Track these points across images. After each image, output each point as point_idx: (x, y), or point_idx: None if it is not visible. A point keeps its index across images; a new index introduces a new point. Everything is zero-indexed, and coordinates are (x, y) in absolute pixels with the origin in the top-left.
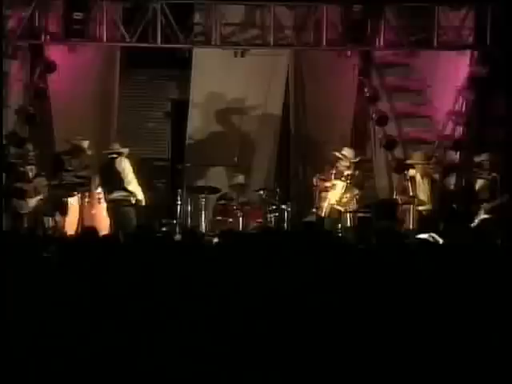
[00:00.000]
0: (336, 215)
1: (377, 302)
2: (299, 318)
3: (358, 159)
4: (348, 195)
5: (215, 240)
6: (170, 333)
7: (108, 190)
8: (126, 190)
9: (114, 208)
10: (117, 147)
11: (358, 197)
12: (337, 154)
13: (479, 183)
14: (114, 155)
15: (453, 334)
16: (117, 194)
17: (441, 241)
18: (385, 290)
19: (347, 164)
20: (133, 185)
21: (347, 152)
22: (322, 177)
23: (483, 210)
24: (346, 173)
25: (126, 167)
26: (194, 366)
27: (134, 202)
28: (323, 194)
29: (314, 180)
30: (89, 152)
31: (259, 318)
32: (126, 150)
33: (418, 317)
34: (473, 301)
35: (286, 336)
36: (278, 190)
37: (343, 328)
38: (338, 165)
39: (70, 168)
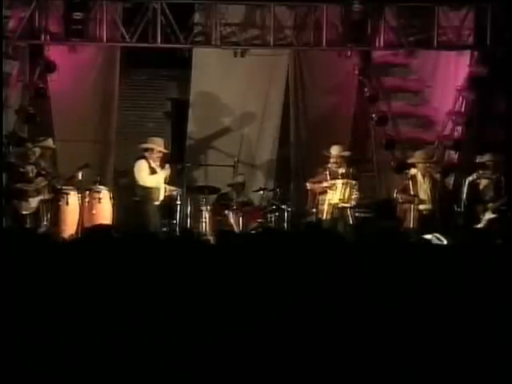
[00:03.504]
0: (337, 215)
1: (379, 302)
2: (297, 319)
3: (346, 154)
4: (349, 191)
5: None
6: (166, 333)
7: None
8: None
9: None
10: (151, 143)
11: (358, 193)
12: (325, 152)
13: (483, 183)
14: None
15: (454, 335)
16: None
17: (445, 241)
18: (387, 290)
19: (335, 160)
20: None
21: (334, 149)
22: (314, 180)
23: (490, 210)
24: (340, 171)
25: (136, 167)
26: (191, 365)
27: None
28: (322, 196)
29: (308, 185)
30: (54, 146)
31: (256, 318)
32: (156, 147)
33: (420, 318)
34: (475, 301)
35: (284, 337)
36: (278, 190)
37: (343, 329)
38: (329, 166)
39: (43, 172)
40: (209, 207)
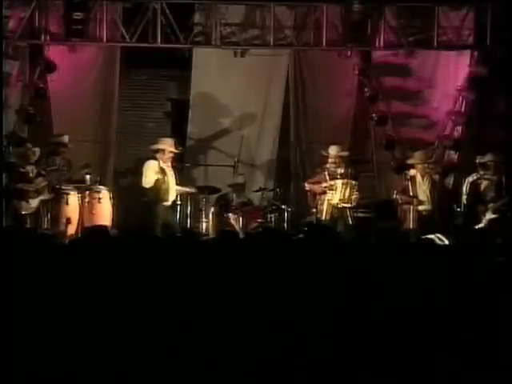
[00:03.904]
0: (336, 215)
1: (380, 303)
2: (296, 319)
3: (344, 154)
4: (349, 191)
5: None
6: (165, 333)
7: None
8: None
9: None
10: (162, 144)
11: (358, 193)
12: (323, 152)
13: (484, 184)
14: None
15: (454, 334)
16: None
17: (446, 241)
18: (387, 290)
19: (333, 161)
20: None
21: (332, 150)
22: (313, 181)
23: (491, 210)
24: (339, 171)
25: (145, 167)
26: (189, 365)
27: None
28: (322, 196)
29: (307, 186)
30: (70, 145)
31: (255, 318)
32: (167, 147)
33: (422, 318)
34: (475, 301)
35: (283, 336)
36: (278, 190)
37: (343, 329)
38: (328, 166)
39: (54, 167)
40: (213, 208)
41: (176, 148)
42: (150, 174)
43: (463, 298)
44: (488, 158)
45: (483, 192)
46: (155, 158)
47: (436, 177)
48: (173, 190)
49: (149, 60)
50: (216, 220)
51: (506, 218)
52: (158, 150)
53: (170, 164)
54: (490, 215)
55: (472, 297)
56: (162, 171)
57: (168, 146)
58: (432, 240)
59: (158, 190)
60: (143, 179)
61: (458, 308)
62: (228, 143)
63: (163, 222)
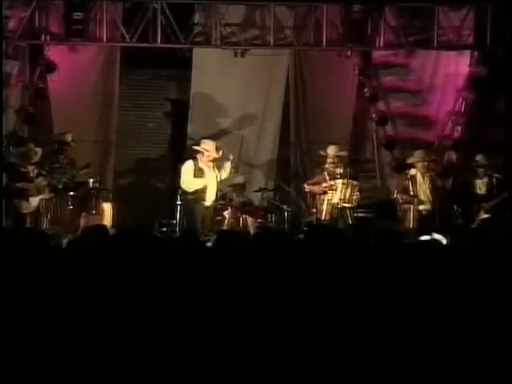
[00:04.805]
0: (336, 215)
1: (377, 303)
2: (296, 320)
3: (343, 154)
4: (350, 191)
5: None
6: (164, 333)
7: None
8: None
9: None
10: (201, 146)
11: (358, 193)
12: (322, 152)
13: (478, 183)
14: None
15: (452, 335)
16: None
17: (444, 241)
18: (384, 291)
19: (332, 161)
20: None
21: (331, 150)
22: (312, 182)
23: (483, 210)
24: (338, 171)
25: (183, 168)
26: (187, 366)
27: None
28: (322, 196)
29: (306, 187)
30: (73, 144)
31: (255, 317)
32: (205, 150)
33: (419, 318)
34: (473, 301)
35: (283, 337)
36: (278, 190)
37: (343, 332)
38: (327, 166)
39: (57, 165)
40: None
41: (217, 152)
42: (187, 175)
43: (462, 297)
44: (479, 158)
45: (476, 192)
46: (195, 158)
47: (436, 177)
48: (212, 191)
49: (149, 60)
50: (216, 220)
51: (498, 218)
52: (198, 151)
53: (210, 165)
54: (482, 215)
55: (470, 297)
56: (200, 171)
57: (207, 148)
58: (429, 240)
59: (196, 189)
60: (180, 180)
61: (456, 308)
62: (228, 143)
63: (200, 222)
